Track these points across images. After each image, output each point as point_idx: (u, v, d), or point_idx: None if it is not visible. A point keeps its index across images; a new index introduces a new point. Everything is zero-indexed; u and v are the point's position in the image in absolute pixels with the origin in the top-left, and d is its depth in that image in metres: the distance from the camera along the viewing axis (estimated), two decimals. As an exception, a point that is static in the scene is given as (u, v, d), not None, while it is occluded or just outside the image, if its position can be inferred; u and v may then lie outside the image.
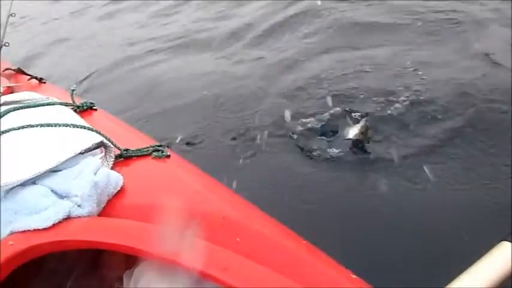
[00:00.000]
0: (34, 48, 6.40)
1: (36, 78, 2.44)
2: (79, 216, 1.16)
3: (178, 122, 3.50)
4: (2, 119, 1.50)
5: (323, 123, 3.00)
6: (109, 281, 1.35)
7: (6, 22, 2.57)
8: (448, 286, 0.79)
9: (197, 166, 1.56)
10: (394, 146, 2.69)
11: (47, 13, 8.31)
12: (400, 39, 4.08)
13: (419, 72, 3.42)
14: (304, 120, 3.05)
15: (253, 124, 3.19)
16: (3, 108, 1.58)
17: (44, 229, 1.12)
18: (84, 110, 1.85)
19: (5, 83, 2.26)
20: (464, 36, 3.90)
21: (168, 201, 1.27)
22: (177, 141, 3.04)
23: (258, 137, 2.99)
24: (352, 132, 2.70)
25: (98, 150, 1.41)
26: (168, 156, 1.49)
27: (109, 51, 5.64)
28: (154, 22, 6.49)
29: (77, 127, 1.45)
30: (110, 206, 1.26)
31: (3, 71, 2.44)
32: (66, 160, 1.29)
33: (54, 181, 1.23)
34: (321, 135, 2.91)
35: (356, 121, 2.81)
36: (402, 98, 3.10)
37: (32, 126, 1.43)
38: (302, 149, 2.84)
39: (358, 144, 2.70)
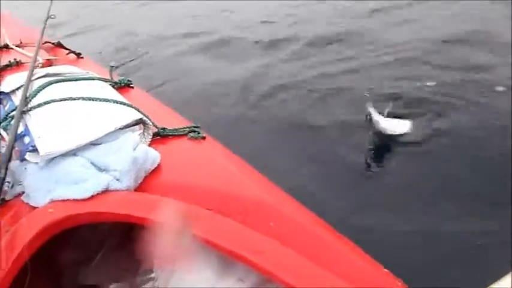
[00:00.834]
0: (74, 27, 6.48)
1: (74, 52, 2.48)
2: (117, 190, 1.18)
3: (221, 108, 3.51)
4: (44, 90, 1.53)
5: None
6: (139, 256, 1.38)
7: None
8: (491, 286, 0.77)
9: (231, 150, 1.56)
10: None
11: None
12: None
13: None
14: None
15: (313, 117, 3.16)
16: (45, 80, 1.61)
17: (82, 200, 1.14)
18: (121, 86, 1.88)
19: (45, 55, 2.30)
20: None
21: (203, 182, 1.28)
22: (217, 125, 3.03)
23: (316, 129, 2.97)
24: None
25: (136, 127, 1.43)
26: (204, 137, 1.50)
27: (149, 37, 5.67)
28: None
29: (117, 103, 1.47)
30: (146, 182, 1.28)
31: (43, 43, 2.48)
32: (107, 134, 1.31)
33: (94, 154, 1.26)
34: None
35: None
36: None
37: (73, 99, 1.46)
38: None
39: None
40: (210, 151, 1.45)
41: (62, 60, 2.32)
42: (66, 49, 2.53)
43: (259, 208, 1.17)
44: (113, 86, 1.81)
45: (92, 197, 1.15)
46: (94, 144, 1.29)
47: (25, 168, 1.27)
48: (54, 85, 1.56)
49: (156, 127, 1.49)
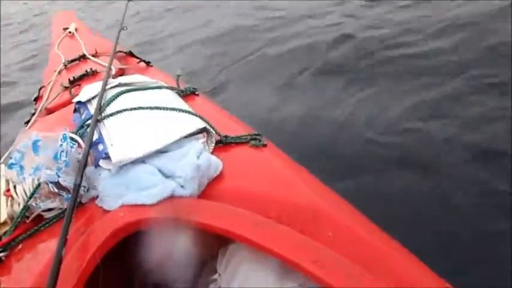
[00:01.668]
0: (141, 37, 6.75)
1: (144, 61, 2.62)
2: (181, 196, 1.24)
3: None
4: (116, 99, 1.63)
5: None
6: (201, 259, 1.43)
7: (126, 7, 2.78)
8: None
9: (292, 157, 1.58)
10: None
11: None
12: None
13: None
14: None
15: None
16: (118, 89, 1.72)
17: (150, 205, 1.21)
18: (187, 94, 1.96)
19: (117, 64, 2.45)
20: None
21: (263, 190, 1.31)
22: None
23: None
24: None
25: (200, 135, 1.49)
26: (265, 145, 1.53)
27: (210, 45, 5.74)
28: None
29: (183, 112, 1.54)
30: (209, 189, 1.33)
31: (116, 53, 2.63)
32: (172, 142, 1.38)
33: (161, 161, 1.33)
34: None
35: None
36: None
37: (142, 108, 1.55)
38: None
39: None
40: (270, 159, 1.48)
41: (132, 69, 2.46)
42: (137, 58, 2.67)
43: (317, 217, 1.18)
44: (179, 94, 1.89)
45: (158, 202, 1.22)
46: (161, 152, 1.36)
47: (99, 174, 1.36)
48: (125, 94, 1.67)
49: (219, 135, 1.54)
